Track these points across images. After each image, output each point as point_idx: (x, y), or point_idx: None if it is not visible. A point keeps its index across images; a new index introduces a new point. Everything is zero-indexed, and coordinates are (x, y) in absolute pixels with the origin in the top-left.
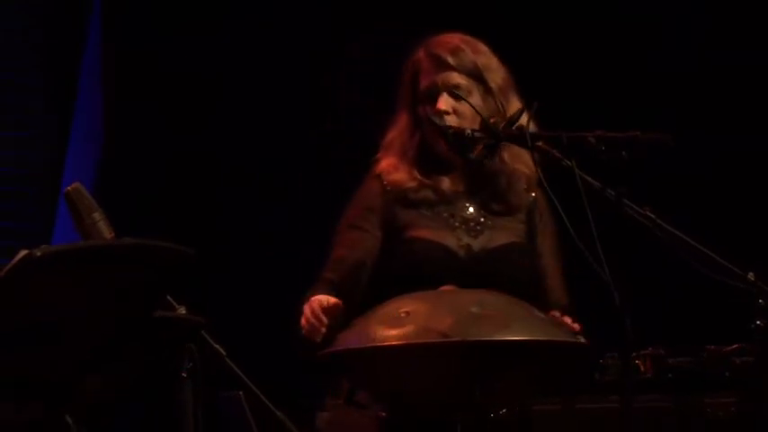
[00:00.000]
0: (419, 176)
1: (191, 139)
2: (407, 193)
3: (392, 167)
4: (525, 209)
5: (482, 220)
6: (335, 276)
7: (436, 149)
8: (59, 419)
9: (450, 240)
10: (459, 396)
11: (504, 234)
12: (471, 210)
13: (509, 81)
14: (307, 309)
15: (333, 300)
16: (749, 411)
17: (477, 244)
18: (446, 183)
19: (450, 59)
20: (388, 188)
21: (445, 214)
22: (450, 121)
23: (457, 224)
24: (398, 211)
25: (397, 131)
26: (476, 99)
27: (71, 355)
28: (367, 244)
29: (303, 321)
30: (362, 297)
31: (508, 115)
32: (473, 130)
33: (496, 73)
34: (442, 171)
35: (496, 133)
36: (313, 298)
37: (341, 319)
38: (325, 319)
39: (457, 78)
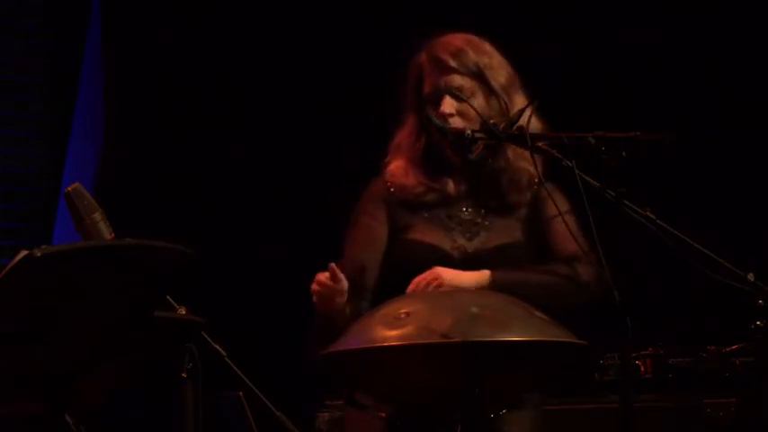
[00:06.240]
0: (425, 180)
1: (191, 139)
2: (410, 197)
3: (400, 171)
4: (526, 205)
5: (479, 220)
6: (350, 279)
7: (441, 151)
8: (59, 419)
9: (444, 242)
10: (459, 396)
11: (500, 234)
12: (470, 210)
13: (513, 79)
14: (314, 284)
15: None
16: (749, 412)
17: (471, 246)
18: (450, 185)
19: (452, 62)
20: (392, 189)
21: (443, 216)
22: (455, 122)
23: (454, 226)
24: (400, 213)
25: (405, 134)
26: (479, 100)
27: (71, 355)
28: (377, 236)
29: (314, 287)
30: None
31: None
32: (473, 131)
33: (499, 72)
34: (447, 172)
35: (496, 134)
36: (318, 275)
37: (352, 305)
38: (337, 280)
39: (459, 80)
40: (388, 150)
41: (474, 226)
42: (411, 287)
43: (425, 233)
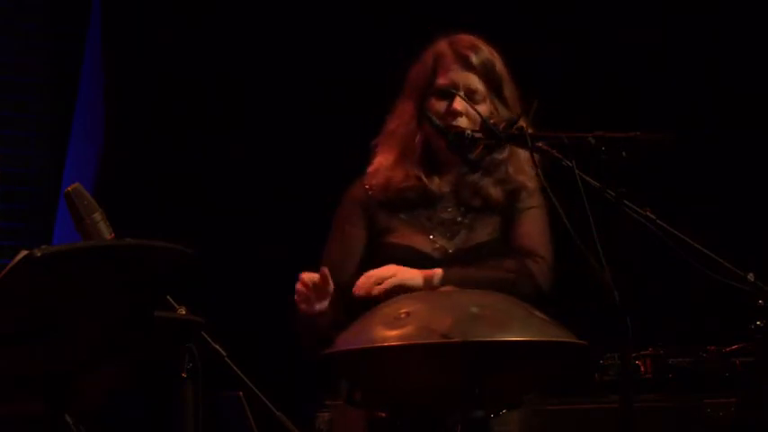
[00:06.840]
0: (412, 173)
1: (191, 139)
2: (391, 194)
3: (385, 165)
4: (503, 203)
5: (460, 219)
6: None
7: (435, 148)
8: (59, 419)
9: (424, 244)
10: (459, 396)
11: (481, 232)
12: (450, 210)
13: (517, 93)
14: (298, 284)
15: (319, 276)
16: (749, 412)
17: (452, 245)
18: (435, 183)
19: (475, 61)
20: (371, 192)
21: (423, 218)
22: (462, 122)
23: (434, 226)
24: (379, 216)
25: (400, 121)
26: (489, 106)
27: (71, 355)
28: (355, 242)
29: (296, 297)
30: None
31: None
32: (473, 131)
33: (509, 83)
34: (440, 169)
35: (496, 134)
36: (301, 274)
37: (334, 307)
38: (317, 286)
39: (477, 83)
40: (379, 134)
41: (455, 225)
42: (361, 280)
43: (405, 235)
